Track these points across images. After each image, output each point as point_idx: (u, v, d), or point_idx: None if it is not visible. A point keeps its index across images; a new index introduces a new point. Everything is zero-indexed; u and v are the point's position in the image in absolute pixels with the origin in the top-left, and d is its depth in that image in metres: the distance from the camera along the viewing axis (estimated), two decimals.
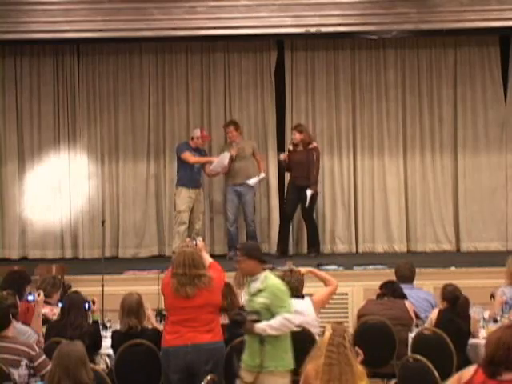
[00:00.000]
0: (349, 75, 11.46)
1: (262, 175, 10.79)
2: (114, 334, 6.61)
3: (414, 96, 11.42)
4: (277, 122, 11.46)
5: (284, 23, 10.18)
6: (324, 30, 10.22)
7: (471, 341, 6.79)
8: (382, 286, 7.39)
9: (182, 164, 10.60)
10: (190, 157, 10.55)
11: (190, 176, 10.59)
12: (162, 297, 6.44)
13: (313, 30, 10.18)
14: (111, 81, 11.54)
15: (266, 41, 11.25)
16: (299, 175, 10.57)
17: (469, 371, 4.35)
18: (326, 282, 7.30)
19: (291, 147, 10.73)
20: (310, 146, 10.60)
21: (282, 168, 11.06)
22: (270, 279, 5.68)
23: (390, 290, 7.27)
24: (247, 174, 10.71)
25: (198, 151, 10.73)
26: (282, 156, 10.73)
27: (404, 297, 7.29)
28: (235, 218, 10.84)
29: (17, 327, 6.02)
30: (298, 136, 10.61)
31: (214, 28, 10.20)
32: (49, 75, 11.49)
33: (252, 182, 10.68)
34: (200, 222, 10.75)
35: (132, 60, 11.51)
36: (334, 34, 10.55)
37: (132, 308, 6.46)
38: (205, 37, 10.46)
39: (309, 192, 10.42)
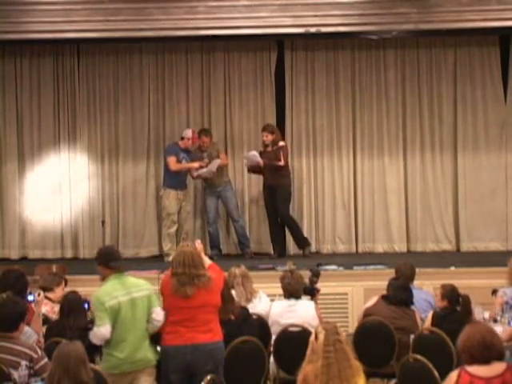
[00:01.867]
0: (349, 75, 11.46)
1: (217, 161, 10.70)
2: None
3: (413, 96, 11.42)
4: (277, 122, 11.44)
5: (284, 23, 10.16)
6: (324, 30, 10.20)
7: None
8: (388, 288, 7.25)
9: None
10: (173, 163, 10.57)
11: (178, 178, 10.67)
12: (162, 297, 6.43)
13: (313, 30, 10.16)
14: (111, 81, 11.54)
15: (265, 41, 11.24)
16: (270, 175, 10.60)
17: (451, 379, 4.47)
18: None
19: (262, 149, 10.77)
20: (275, 147, 10.61)
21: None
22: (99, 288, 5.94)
23: (395, 300, 7.15)
24: (221, 175, 10.79)
25: (187, 152, 10.75)
26: (260, 161, 10.58)
27: (408, 303, 7.18)
28: (214, 219, 10.91)
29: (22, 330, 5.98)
30: (270, 137, 10.64)
31: (214, 28, 10.19)
32: (49, 75, 11.49)
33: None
34: (189, 222, 10.85)
35: (132, 60, 11.51)
36: (333, 34, 10.53)
37: None
38: (205, 37, 10.44)
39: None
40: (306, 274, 7.49)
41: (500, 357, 4.46)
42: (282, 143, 10.72)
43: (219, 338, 6.06)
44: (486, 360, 4.41)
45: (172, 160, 10.59)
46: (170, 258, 6.87)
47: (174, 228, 10.63)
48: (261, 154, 10.73)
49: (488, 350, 4.42)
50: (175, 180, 10.64)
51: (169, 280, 6.00)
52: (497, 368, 4.42)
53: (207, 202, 10.95)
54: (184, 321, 5.93)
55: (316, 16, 10.10)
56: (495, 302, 7.40)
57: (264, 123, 11.23)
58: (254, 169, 10.79)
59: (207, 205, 10.96)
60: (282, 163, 10.49)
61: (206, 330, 5.94)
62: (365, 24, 10.22)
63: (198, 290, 5.90)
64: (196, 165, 10.67)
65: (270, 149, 10.66)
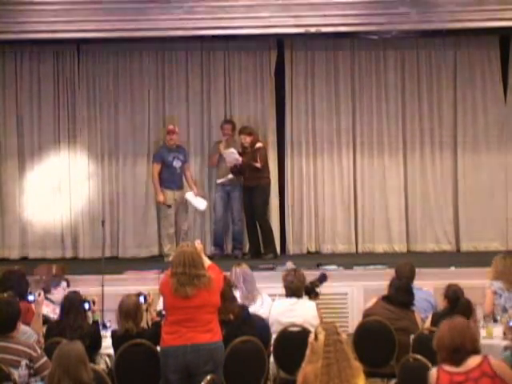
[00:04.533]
0: (349, 75, 11.46)
1: (230, 176, 10.74)
2: (113, 334, 6.62)
3: (413, 96, 11.42)
4: (277, 122, 11.46)
5: (284, 23, 10.17)
6: (324, 30, 10.21)
7: None
8: (389, 288, 7.23)
9: (164, 166, 10.64)
10: (154, 171, 10.63)
11: (173, 178, 10.66)
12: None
13: (313, 30, 10.17)
14: (111, 81, 11.54)
15: (265, 41, 11.24)
16: (249, 176, 10.61)
17: (432, 377, 4.53)
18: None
19: (241, 150, 10.75)
20: (253, 148, 10.61)
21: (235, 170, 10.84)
22: None
23: (395, 301, 7.12)
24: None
25: (178, 151, 10.73)
26: (239, 159, 10.58)
27: (408, 305, 7.16)
28: (221, 217, 10.91)
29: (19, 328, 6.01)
30: (248, 139, 10.67)
31: (214, 28, 10.20)
32: (49, 75, 11.48)
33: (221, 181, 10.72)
34: (186, 223, 10.84)
35: (132, 60, 11.52)
36: (334, 34, 10.56)
37: (129, 311, 6.45)
38: (204, 37, 10.46)
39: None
40: (307, 274, 7.48)
41: (473, 351, 4.50)
42: (259, 144, 10.71)
43: (219, 338, 6.06)
44: (456, 362, 4.47)
45: (154, 168, 10.66)
46: (170, 259, 6.87)
47: (173, 228, 10.62)
48: (241, 155, 10.70)
49: (458, 352, 4.47)
50: (171, 180, 10.64)
51: (168, 280, 5.99)
52: (473, 360, 4.48)
53: (216, 199, 10.95)
54: (184, 321, 5.92)
55: (316, 16, 10.10)
56: (486, 293, 7.54)
57: (264, 123, 11.28)
58: (235, 169, 10.76)
59: (216, 202, 10.95)
60: (258, 165, 10.50)
61: (206, 330, 5.94)
62: (365, 24, 10.23)
63: (198, 290, 5.89)
64: (161, 198, 10.54)
65: (248, 150, 10.67)
